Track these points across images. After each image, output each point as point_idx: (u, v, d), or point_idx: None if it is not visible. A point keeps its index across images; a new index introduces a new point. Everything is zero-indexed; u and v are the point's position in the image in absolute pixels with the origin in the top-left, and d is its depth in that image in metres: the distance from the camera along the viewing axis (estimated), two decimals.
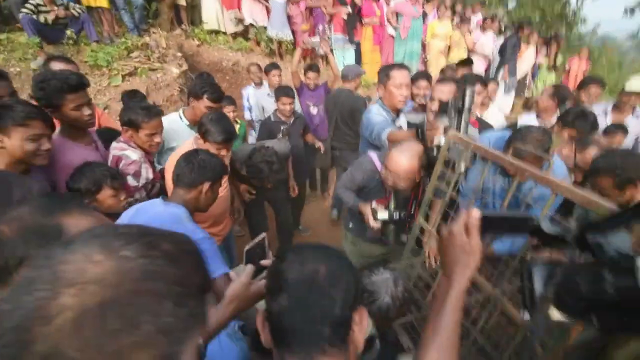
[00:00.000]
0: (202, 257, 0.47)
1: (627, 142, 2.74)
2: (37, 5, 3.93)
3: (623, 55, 17.46)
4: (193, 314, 0.40)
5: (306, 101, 3.79)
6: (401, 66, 2.18)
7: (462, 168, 1.32)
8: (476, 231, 0.70)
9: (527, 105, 6.47)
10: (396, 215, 1.73)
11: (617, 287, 0.49)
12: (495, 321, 1.35)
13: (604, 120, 2.86)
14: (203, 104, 2.21)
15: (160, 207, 1.39)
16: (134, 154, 1.84)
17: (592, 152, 1.97)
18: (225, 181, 2.19)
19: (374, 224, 1.75)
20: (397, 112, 2.23)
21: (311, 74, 3.75)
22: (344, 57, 6.27)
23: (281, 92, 3.22)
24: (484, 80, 2.51)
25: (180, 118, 2.34)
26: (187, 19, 6.02)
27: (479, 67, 6.27)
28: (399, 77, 2.09)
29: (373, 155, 1.93)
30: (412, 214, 1.86)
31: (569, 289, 0.56)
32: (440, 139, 1.42)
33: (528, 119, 2.87)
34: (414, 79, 2.44)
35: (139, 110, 1.81)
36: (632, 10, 12.43)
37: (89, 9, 4.64)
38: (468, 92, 1.40)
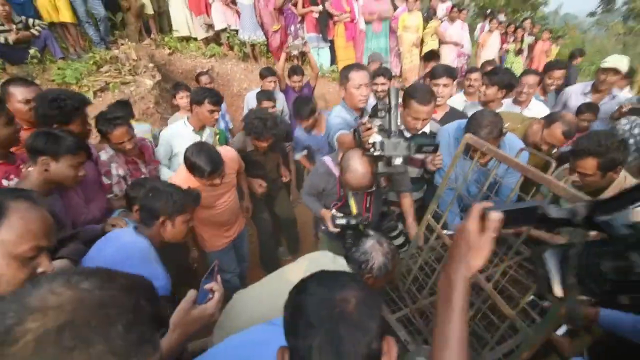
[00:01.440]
0: (156, 293, 0.54)
1: (599, 124, 2.82)
2: None
3: (585, 33, 18.26)
4: (144, 340, 0.46)
5: (291, 103, 3.80)
6: (359, 67, 2.21)
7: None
8: (493, 231, 0.66)
9: None
10: (353, 220, 1.81)
11: None
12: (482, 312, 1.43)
13: (583, 100, 2.91)
14: (205, 109, 2.45)
15: (130, 237, 1.40)
16: (104, 155, 2.10)
17: (558, 127, 2.09)
18: (230, 189, 2.28)
19: (333, 229, 1.85)
20: (361, 111, 2.28)
21: (296, 77, 3.79)
22: (318, 55, 6.29)
23: (263, 95, 3.27)
24: (452, 72, 2.56)
25: (185, 124, 2.56)
26: (155, 27, 5.88)
27: (450, 56, 6.42)
28: (357, 78, 2.13)
29: (326, 158, 1.99)
30: (368, 215, 1.95)
31: (593, 273, 0.54)
32: (375, 137, 1.50)
33: (455, 101, 3.05)
34: (373, 76, 2.48)
35: (104, 122, 2.00)
36: None
37: (52, 24, 4.47)
38: (392, 92, 1.51)
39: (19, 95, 1.99)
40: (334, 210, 1.91)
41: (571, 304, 0.62)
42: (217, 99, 2.48)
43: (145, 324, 0.48)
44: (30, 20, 4.05)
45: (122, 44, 5.21)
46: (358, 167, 1.65)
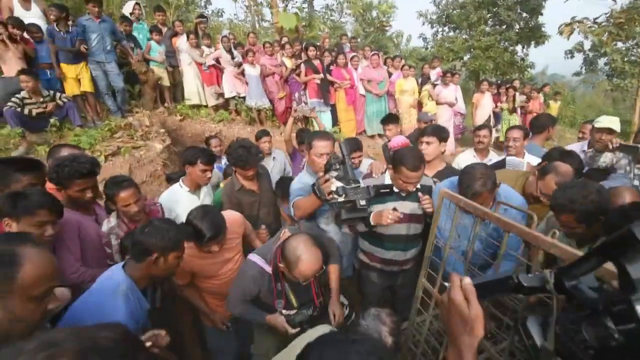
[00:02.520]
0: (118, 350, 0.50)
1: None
2: (22, 99, 4.08)
3: (573, 90, 19.29)
4: None
5: (299, 165, 3.89)
6: (323, 136, 2.21)
7: None
8: (475, 299, 0.67)
9: (497, 145, 6.89)
10: (308, 312, 1.72)
11: (622, 333, 0.48)
12: None
13: (583, 157, 2.97)
14: (198, 168, 2.49)
15: (111, 272, 1.50)
16: (105, 226, 2.09)
17: (551, 178, 2.06)
18: (234, 257, 2.19)
19: (292, 331, 1.69)
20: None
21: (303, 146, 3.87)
22: (321, 119, 6.65)
23: (262, 133, 3.53)
24: (442, 132, 2.65)
25: (181, 186, 2.60)
26: (170, 97, 6.35)
27: (445, 116, 6.74)
28: (320, 147, 2.14)
29: (254, 258, 1.85)
30: (321, 299, 1.85)
31: (574, 339, 0.55)
32: (335, 184, 1.57)
33: (465, 158, 3.13)
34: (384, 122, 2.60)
35: (111, 185, 2.06)
36: (572, 53, 14.01)
37: (74, 96, 4.86)
38: (343, 145, 1.69)
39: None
40: (284, 311, 1.74)
41: None
42: (209, 159, 2.51)
43: None
44: (58, 95, 4.41)
45: (137, 112, 5.59)
46: (310, 252, 1.54)
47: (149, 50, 5.81)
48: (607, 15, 10.15)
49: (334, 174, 1.64)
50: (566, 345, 0.56)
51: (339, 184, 1.56)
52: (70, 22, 4.79)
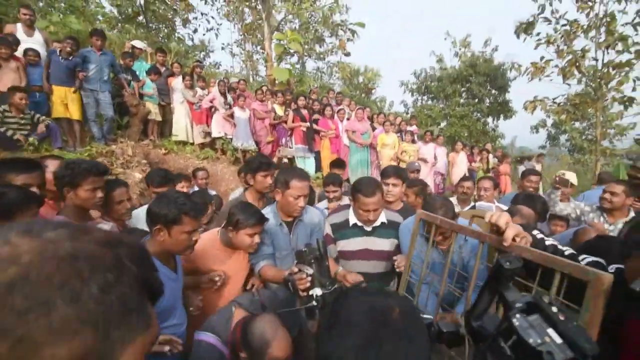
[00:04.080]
0: (148, 257, 0.42)
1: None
2: (3, 111, 4.03)
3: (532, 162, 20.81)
4: (129, 309, 0.34)
5: None
6: (302, 177, 2.05)
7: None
8: None
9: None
10: None
11: (511, 348, 0.52)
12: None
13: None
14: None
15: None
16: (105, 226, 2.03)
17: (515, 220, 2.14)
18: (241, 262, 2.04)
19: None
20: (294, 218, 2.11)
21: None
22: (304, 164, 6.82)
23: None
24: (400, 173, 2.68)
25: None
26: (157, 131, 6.42)
27: (423, 172, 7.06)
28: (298, 189, 1.99)
29: (208, 338, 1.49)
30: None
31: None
32: (316, 291, 1.43)
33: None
34: (384, 176, 2.59)
35: (106, 186, 2.01)
36: (537, 128, 15.43)
37: (58, 119, 4.84)
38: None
39: (50, 167, 2.09)
40: None
41: None
42: (197, 214, 1.90)
43: (131, 289, 0.35)
44: (37, 116, 4.38)
45: (122, 142, 5.57)
46: (280, 335, 1.32)
47: (143, 85, 6.02)
48: (564, 96, 11.55)
49: (310, 270, 1.49)
50: None
51: (319, 290, 1.42)
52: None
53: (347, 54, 11.96)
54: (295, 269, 1.56)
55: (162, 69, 6.48)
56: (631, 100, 10.59)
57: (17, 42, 4.65)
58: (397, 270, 1.96)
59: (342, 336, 0.51)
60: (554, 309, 0.52)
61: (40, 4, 8.16)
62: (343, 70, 14.53)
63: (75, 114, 4.96)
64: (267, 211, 2.10)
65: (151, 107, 6.12)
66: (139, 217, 2.48)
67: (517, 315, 0.53)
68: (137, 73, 6.06)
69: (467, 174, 7.40)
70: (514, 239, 1.00)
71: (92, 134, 5.32)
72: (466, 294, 1.28)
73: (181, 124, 6.50)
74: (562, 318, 0.51)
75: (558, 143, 16.08)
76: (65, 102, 4.87)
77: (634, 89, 10.27)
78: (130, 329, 0.34)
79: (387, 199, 2.46)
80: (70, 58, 4.80)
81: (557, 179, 3.16)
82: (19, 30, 4.83)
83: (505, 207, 2.97)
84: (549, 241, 1.11)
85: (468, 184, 3.47)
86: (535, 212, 2.47)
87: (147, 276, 0.39)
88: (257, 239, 1.91)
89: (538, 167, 7.96)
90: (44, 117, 4.50)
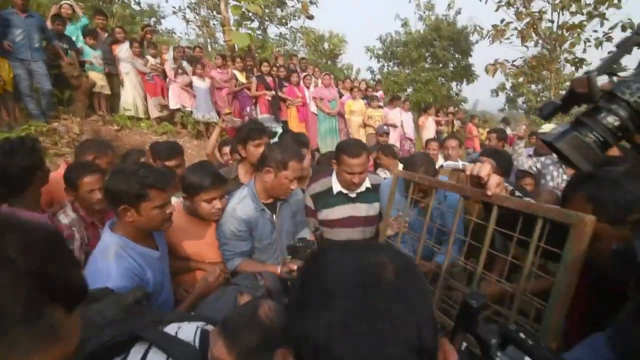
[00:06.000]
0: (57, 246, 0.34)
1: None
2: None
3: (499, 124, 21.85)
4: (6, 316, 0.26)
5: None
6: (301, 156, 1.84)
7: None
8: None
9: None
10: None
11: None
12: None
13: (530, 161, 3.30)
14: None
15: (104, 236, 1.35)
16: (64, 218, 1.79)
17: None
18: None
19: None
20: (274, 200, 1.84)
21: (226, 149, 3.38)
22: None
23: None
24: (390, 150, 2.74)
25: None
26: (106, 106, 5.84)
27: (392, 138, 7.10)
28: (296, 171, 1.73)
29: None
30: None
31: None
32: None
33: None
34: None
35: (75, 168, 1.82)
36: (496, 92, 15.96)
37: None
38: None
39: None
40: None
41: None
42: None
43: (13, 290, 0.27)
44: None
45: (65, 119, 5.02)
46: None
47: (81, 54, 5.34)
48: (522, 59, 11.93)
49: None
50: None
51: None
52: None
53: (311, 17, 11.38)
54: (294, 267, 1.45)
55: (104, 35, 5.78)
56: (582, 61, 11.15)
57: None
58: (383, 235, 1.91)
59: (320, 310, 0.38)
60: (522, 335, 0.52)
61: None
62: (307, 35, 13.92)
63: (8, 85, 4.34)
64: (244, 194, 1.78)
65: (97, 77, 5.50)
66: None
67: (498, 354, 0.52)
68: (74, 40, 5.34)
69: (435, 138, 7.59)
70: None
71: (29, 111, 4.72)
72: (445, 247, 1.26)
73: (129, 98, 5.90)
74: (532, 343, 0.52)
75: (516, 106, 16.81)
76: None
77: (584, 51, 10.80)
78: (10, 344, 0.26)
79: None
80: None
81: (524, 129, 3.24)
82: None
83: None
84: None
85: (453, 144, 3.56)
86: (499, 167, 2.52)
87: (51, 272, 0.30)
88: (217, 204, 1.68)
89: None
90: None
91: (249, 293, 1.30)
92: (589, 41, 10.52)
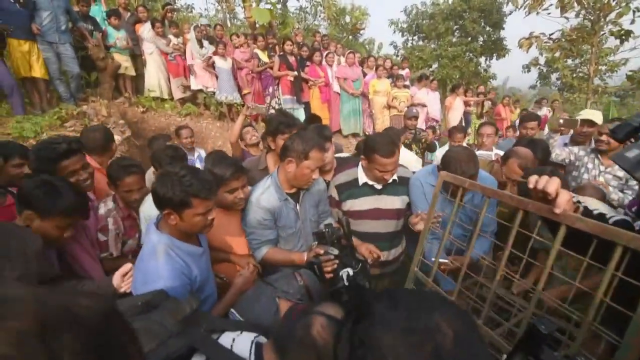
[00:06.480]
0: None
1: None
2: None
3: (529, 103, 20.71)
4: None
5: None
6: (323, 145, 1.85)
7: None
8: None
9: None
10: None
11: None
12: None
13: (564, 150, 3.04)
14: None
15: (149, 234, 1.36)
16: (102, 208, 1.89)
17: (513, 161, 2.16)
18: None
19: None
20: (297, 190, 1.85)
21: (249, 129, 3.61)
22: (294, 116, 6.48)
23: None
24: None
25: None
26: (132, 87, 5.88)
27: (419, 119, 6.83)
28: (318, 161, 1.74)
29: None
30: None
31: None
32: (344, 271, 1.41)
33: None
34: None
35: (117, 168, 1.89)
36: (528, 67, 14.98)
37: (23, 79, 4.32)
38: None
39: None
40: None
41: None
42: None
43: None
44: None
45: (93, 101, 5.10)
46: None
47: (106, 36, 5.33)
48: (560, 32, 11.02)
49: (335, 251, 1.42)
50: None
51: (351, 270, 1.39)
52: None
53: None
54: (321, 251, 1.45)
55: (126, 15, 5.73)
56: (628, 33, 10.18)
57: None
58: (414, 229, 1.85)
59: None
60: None
61: None
62: (328, 9, 13.34)
63: (37, 72, 4.40)
64: (268, 184, 1.80)
65: (121, 59, 5.51)
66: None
67: None
68: (98, 21, 5.32)
69: (462, 120, 7.26)
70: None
71: (59, 94, 4.82)
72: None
73: (154, 79, 5.92)
74: None
75: (549, 82, 15.77)
76: (26, 58, 4.29)
77: (632, 22, 9.82)
78: None
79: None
80: (22, 2, 4.12)
81: (562, 121, 3.01)
82: None
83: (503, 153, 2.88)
84: (592, 208, 0.99)
85: (489, 131, 3.33)
86: (536, 158, 2.37)
87: None
88: (239, 193, 1.69)
89: (545, 113, 7.71)
90: None
91: (288, 299, 1.30)
92: (639, 10, 9.54)
